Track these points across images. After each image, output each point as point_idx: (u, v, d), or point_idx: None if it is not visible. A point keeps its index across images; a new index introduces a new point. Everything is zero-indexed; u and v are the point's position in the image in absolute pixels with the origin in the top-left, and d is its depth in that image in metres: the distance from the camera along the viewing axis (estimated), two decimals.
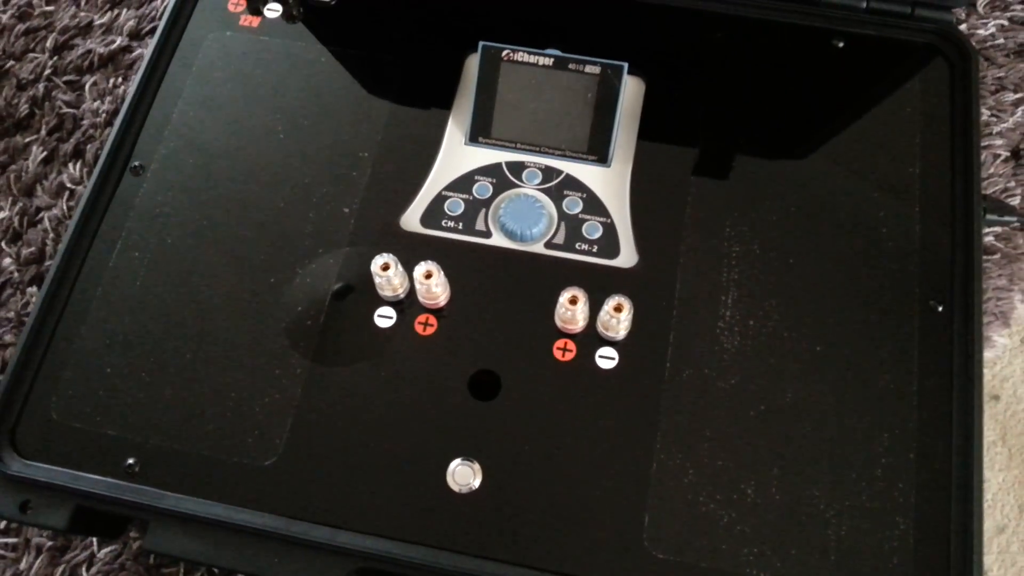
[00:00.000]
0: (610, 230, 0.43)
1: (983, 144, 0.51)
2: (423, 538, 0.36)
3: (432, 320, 0.41)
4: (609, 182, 0.44)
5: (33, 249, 0.50)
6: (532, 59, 0.45)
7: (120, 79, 0.55)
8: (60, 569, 0.43)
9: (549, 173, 0.44)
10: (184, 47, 0.48)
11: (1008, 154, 0.52)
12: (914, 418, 0.38)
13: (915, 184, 0.43)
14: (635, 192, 0.43)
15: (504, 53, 0.45)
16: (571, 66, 0.44)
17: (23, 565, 0.44)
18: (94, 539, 0.44)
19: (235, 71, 0.47)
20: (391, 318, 0.41)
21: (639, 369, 0.39)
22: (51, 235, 0.51)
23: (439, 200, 0.43)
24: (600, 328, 0.40)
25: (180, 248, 0.42)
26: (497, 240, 0.43)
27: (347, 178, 0.44)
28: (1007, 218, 0.44)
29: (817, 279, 0.41)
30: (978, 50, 0.54)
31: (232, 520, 0.37)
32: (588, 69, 0.44)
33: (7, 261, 0.50)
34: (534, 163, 0.44)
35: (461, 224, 0.43)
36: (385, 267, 0.39)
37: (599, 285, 0.40)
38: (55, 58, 0.56)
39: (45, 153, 0.53)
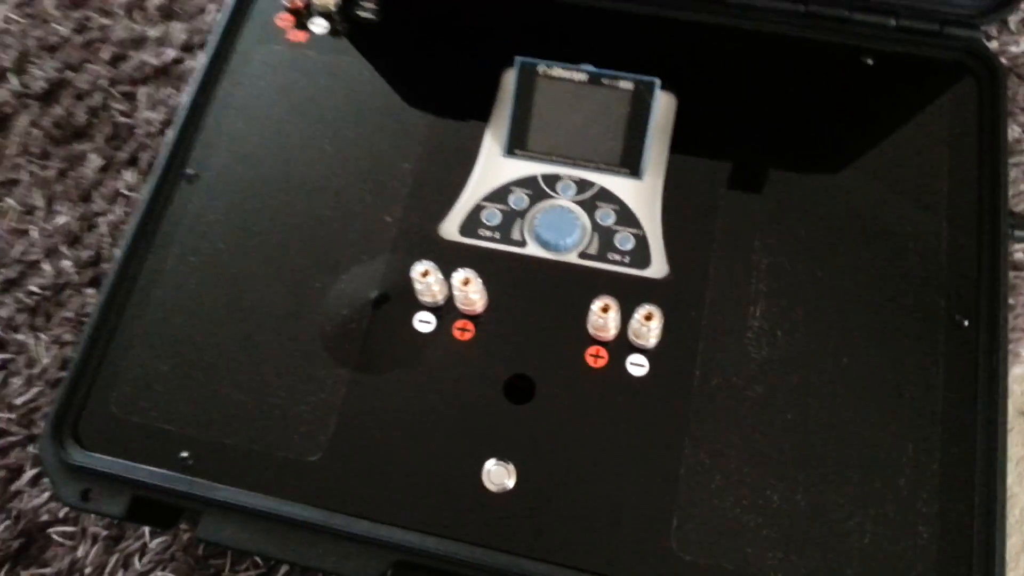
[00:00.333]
0: (642, 241, 0.44)
1: (1015, 161, 0.52)
2: (458, 534, 0.38)
3: (469, 326, 0.42)
4: (641, 194, 0.45)
5: (91, 252, 0.53)
6: (567, 74, 0.46)
7: (172, 90, 0.58)
8: (114, 558, 0.46)
9: (583, 185, 0.46)
10: (235, 60, 0.50)
11: None
12: (938, 430, 0.39)
13: (943, 200, 0.44)
14: (667, 205, 0.45)
15: (540, 68, 0.46)
16: (605, 81, 0.46)
17: (79, 552, 0.46)
18: (146, 530, 0.46)
19: (283, 84, 0.49)
20: (430, 323, 0.42)
21: (668, 376, 0.41)
22: (107, 239, 0.53)
23: (477, 210, 0.45)
24: (631, 336, 0.41)
25: (231, 253, 0.45)
26: (532, 249, 0.44)
27: (389, 188, 0.46)
28: None
29: (844, 292, 0.42)
30: (1010, 67, 0.55)
31: (279, 512, 0.39)
32: (621, 84, 0.46)
33: (66, 263, 0.53)
34: (568, 175, 0.46)
35: (498, 234, 0.45)
36: (425, 274, 0.41)
37: (630, 294, 0.42)
38: (111, 69, 0.59)
39: (102, 161, 0.56)
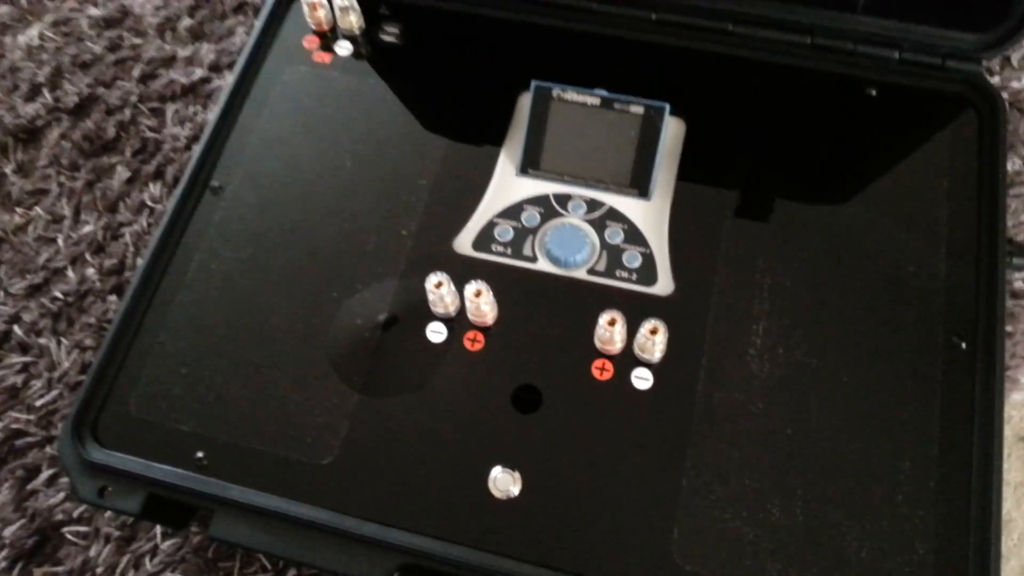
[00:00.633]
0: (649, 260, 0.45)
1: (1015, 193, 0.53)
2: (464, 539, 0.39)
3: (480, 337, 0.43)
4: (649, 215, 0.47)
5: (115, 260, 0.55)
6: (580, 98, 0.48)
7: (199, 107, 0.60)
8: (126, 558, 0.47)
9: (593, 205, 0.47)
10: (262, 79, 0.52)
11: None
12: (935, 447, 0.40)
13: (942, 226, 0.45)
14: (673, 225, 0.46)
15: (555, 92, 0.48)
16: (617, 106, 0.48)
17: (92, 552, 0.47)
18: (158, 531, 0.47)
19: (307, 103, 0.51)
20: (442, 334, 0.44)
21: (672, 390, 0.42)
22: (131, 248, 0.55)
23: (490, 226, 0.47)
24: (636, 350, 0.42)
25: (252, 263, 0.46)
26: (543, 265, 0.46)
27: (406, 204, 0.47)
28: None
29: (844, 312, 0.43)
30: (1012, 102, 0.56)
31: (290, 513, 0.40)
32: (633, 109, 0.47)
33: (90, 271, 0.55)
34: (579, 195, 0.48)
35: (510, 249, 0.46)
36: (439, 285, 0.42)
37: (637, 310, 0.43)
38: (141, 87, 0.61)
39: (129, 173, 0.58)
